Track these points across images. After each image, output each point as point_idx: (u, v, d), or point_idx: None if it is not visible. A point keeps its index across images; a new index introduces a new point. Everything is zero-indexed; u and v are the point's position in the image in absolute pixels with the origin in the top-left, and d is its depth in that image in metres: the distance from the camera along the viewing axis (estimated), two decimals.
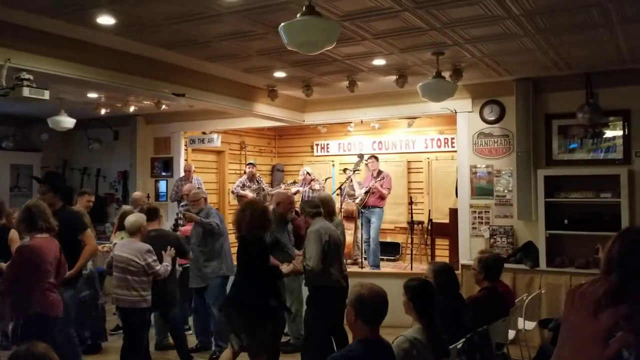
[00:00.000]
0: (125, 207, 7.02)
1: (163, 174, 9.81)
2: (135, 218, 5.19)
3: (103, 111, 8.60)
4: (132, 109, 8.50)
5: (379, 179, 8.20)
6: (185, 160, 9.68)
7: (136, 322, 5.09)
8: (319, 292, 4.81)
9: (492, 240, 6.99)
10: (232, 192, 9.37)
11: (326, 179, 9.76)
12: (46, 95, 4.78)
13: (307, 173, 9.09)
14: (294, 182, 9.49)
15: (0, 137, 9.66)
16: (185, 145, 9.77)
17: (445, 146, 9.39)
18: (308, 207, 5.11)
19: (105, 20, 4.55)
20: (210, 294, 6.00)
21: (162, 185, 9.81)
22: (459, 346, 3.51)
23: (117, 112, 8.87)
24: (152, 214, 5.62)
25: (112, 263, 5.09)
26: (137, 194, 8.20)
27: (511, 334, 4.91)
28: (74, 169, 10.45)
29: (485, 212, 7.12)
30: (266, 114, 7.90)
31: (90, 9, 4.32)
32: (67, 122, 7.90)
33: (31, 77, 4.65)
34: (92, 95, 7.71)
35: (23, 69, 4.66)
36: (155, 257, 5.08)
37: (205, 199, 6.37)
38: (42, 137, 9.80)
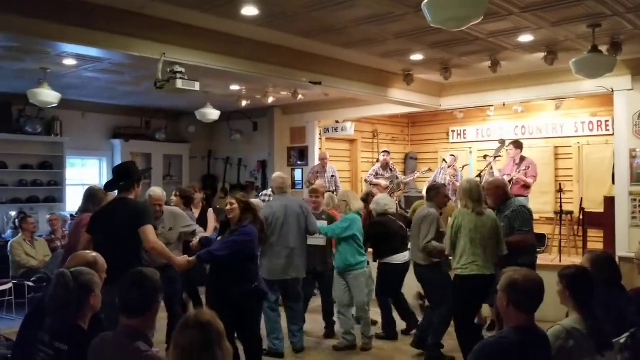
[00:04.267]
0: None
1: (299, 162, 10.11)
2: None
3: (244, 103, 9.04)
4: (270, 100, 8.83)
5: (523, 167, 7.69)
6: (320, 149, 9.88)
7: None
8: None
9: None
10: (366, 180, 9.38)
11: (463, 167, 9.39)
12: (197, 86, 5.07)
13: (444, 160, 8.86)
14: (429, 170, 9.28)
15: (155, 129, 10.59)
16: (320, 134, 9.97)
17: (598, 129, 8.64)
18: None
19: (250, 11, 4.75)
20: None
21: (298, 174, 10.11)
22: (622, 340, 3.19)
23: (256, 104, 9.29)
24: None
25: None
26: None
27: None
28: (218, 159, 11.15)
29: None
30: (401, 100, 7.78)
31: (237, 1, 4.52)
32: (213, 114, 8.42)
33: (183, 70, 4.97)
34: (234, 87, 8.12)
35: (176, 63, 5.00)
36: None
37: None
38: (189, 129, 10.59)
